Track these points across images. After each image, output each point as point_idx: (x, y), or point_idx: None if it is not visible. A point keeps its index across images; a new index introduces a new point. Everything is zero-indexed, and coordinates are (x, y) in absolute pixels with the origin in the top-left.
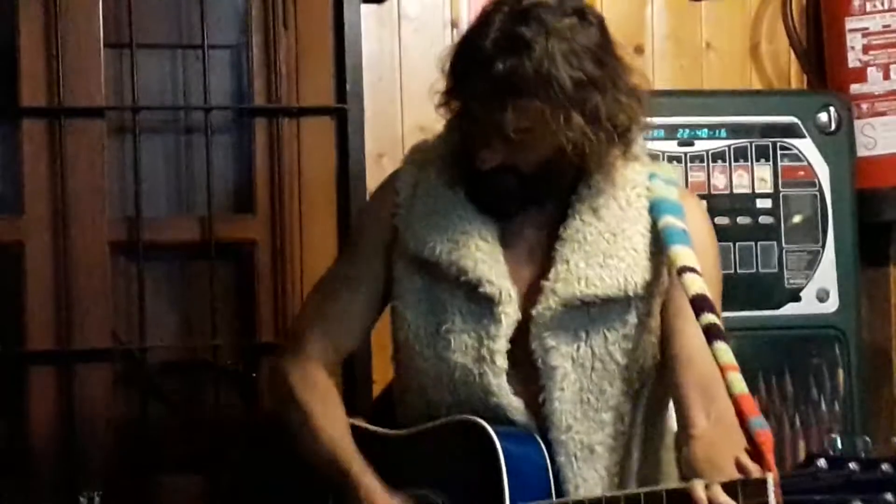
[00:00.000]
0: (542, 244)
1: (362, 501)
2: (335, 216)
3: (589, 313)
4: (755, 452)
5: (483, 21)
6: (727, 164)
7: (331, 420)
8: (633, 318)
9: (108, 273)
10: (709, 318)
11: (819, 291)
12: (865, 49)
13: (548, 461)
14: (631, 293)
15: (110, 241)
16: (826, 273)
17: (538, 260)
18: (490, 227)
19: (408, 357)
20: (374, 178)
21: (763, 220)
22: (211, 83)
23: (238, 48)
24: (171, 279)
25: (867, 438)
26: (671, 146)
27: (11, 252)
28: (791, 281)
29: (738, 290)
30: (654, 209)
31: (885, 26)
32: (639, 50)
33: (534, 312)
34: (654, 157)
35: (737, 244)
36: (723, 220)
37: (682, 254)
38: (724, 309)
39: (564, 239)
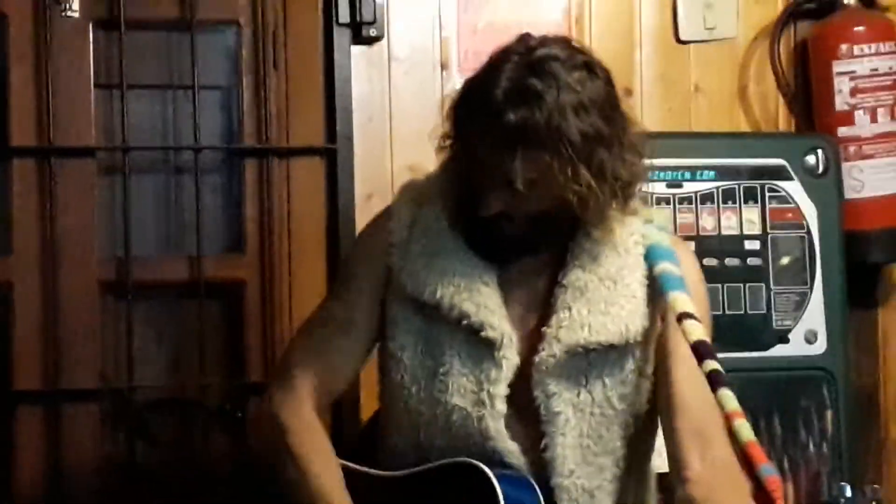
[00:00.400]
0: (541, 291)
1: None
2: (324, 256)
3: (589, 360)
4: (766, 498)
5: (492, 70)
6: (716, 205)
7: (321, 464)
8: (630, 365)
9: (97, 313)
10: (711, 364)
11: (807, 333)
12: (853, 92)
13: None
14: (631, 340)
15: (99, 281)
16: (814, 315)
17: (537, 307)
18: (490, 272)
19: (400, 398)
20: (363, 219)
21: (751, 261)
22: (201, 123)
23: (228, 89)
24: (159, 319)
25: (877, 487)
26: (660, 188)
27: (0, 292)
28: (779, 322)
29: (726, 331)
30: (650, 256)
31: (872, 70)
32: (628, 92)
33: (537, 359)
34: (643, 199)
35: (725, 286)
36: (711, 262)
37: (680, 300)
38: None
39: (565, 286)
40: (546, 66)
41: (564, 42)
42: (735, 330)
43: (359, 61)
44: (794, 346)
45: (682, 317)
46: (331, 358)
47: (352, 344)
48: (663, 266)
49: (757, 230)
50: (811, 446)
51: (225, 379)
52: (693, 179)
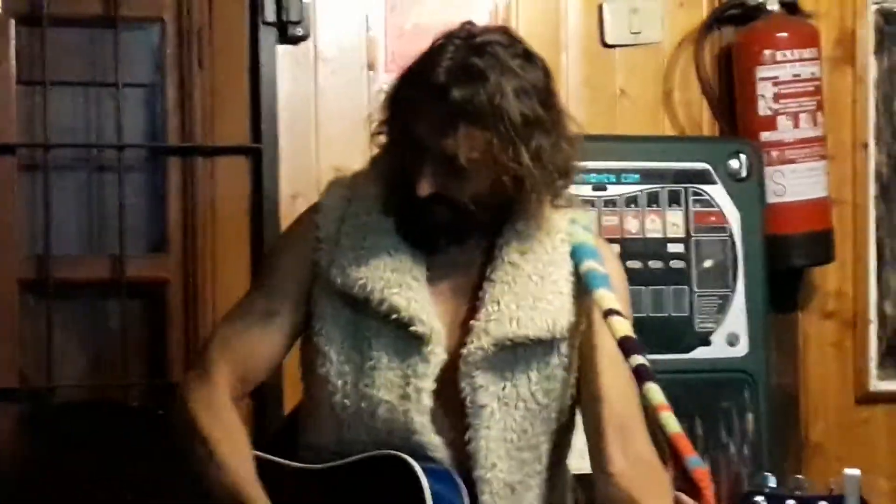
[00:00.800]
0: (469, 286)
1: None
2: (248, 256)
3: (515, 354)
4: (694, 490)
5: (434, 52)
6: (640, 208)
7: (234, 451)
8: (556, 360)
9: (17, 312)
10: (638, 359)
11: (729, 336)
12: (776, 97)
13: (466, 499)
14: (558, 335)
15: (19, 279)
16: (736, 318)
17: (465, 301)
18: (420, 267)
19: (325, 393)
20: (288, 219)
21: (675, 264)
22: (125, 121)
23: (153, 87)
24: (80, 318)
25: (801, 477)
26: (585, 190)
27: None
28: (701, 325)
29: (649, 333)
30: (576, 254)
31: (794, 75)
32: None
33: (464, 352)
34: (571, 198)
35: (649, 288)
36: (635, 265)
37: (606, 297)
38: (651, 352)
39: (494, 280)
40: (489, 49)
41: (505, 30)
42: (658, 332)
43: (285, 61)
44: (716, 349)
45: (608, 313)
46: (248, 347)
47: (271, 334)
48: (589, 264)
49: (680, 233)
50: (732, 448)
51: (147, 378)
52: (618, 182)
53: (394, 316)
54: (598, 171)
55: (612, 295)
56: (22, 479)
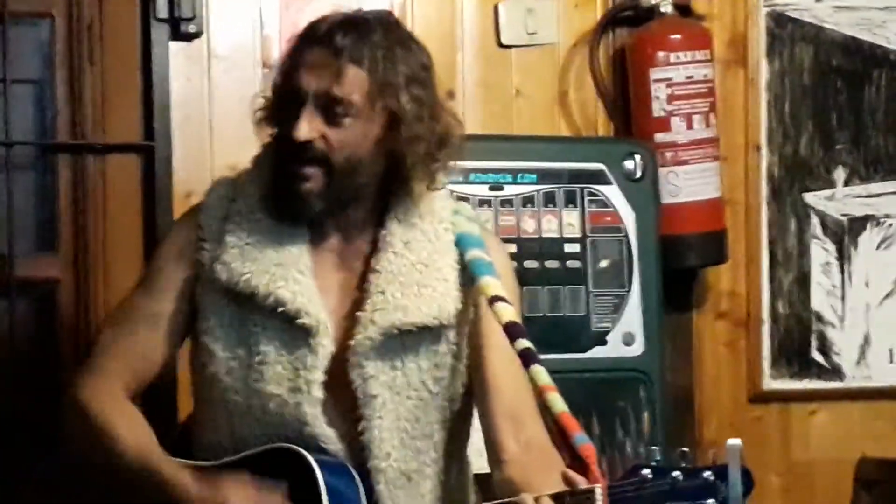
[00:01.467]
0: (355, 277)
1: (184, 493)
2: (141, 256)
3: (403, 343)
4: (581, 466)
5: (318, 19)
6: (536, 208)
7: (137, 435)
8: (443, 348)
9: None
10: (523, 343)
11: (625, 335)
12: (669, 99)
13: (361, 490)
14: (445, 322)
15: None
16: (632, 317)
17: (351, 293)
18: (305, 261)
19: (214, 391)
20: None
21: (571, 264)
22: (13, 118)
23: (42, 83)
24: None
25: (686, 450)
26: (482, 190)
27: None
28: (598, 324)
29: (546, 332)
30: (460, 243)
31: (688, 77)
32: (450, 95)
33: (352, 342)
34: (458, 197)
35: (545, 288)
36: (532, 264)
37: (491, 284)
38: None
39: (379, 271)
40: (376, 16)
41: (391, 13)
42: (554, 331)
43: (178, 58)
44: (612, 348)
45: (493, 300)
46: (135, 350)
47: (158, 336)
48: (474, 253)
49: (576, 233)
50: (628, 446)
51: (37, 380)
52: (514, 182)
53: (280, 309)
54: (495, 171)
55: (497, 282)
56: None
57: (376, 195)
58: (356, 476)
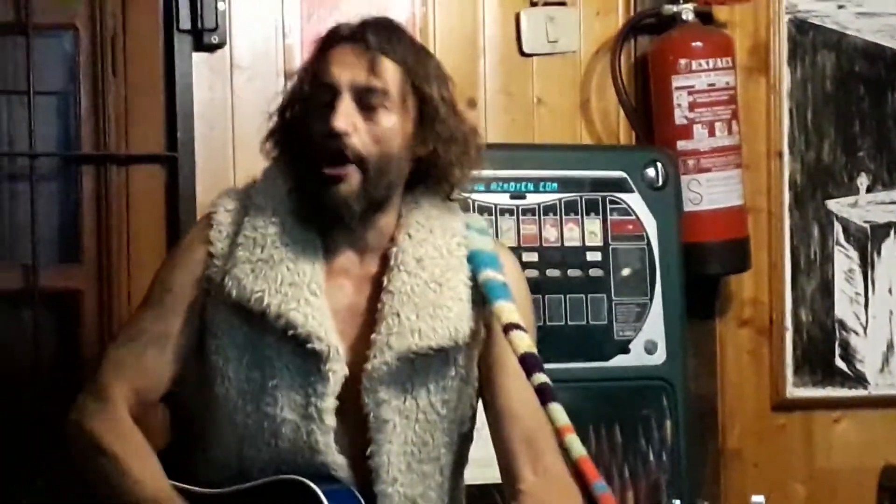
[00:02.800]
0: (368, 299)
1: None
2: None
3: (414, 366)
4: None
5: (337, 25)
6: (558, 217)
7: (146, 466)
8: (452, 371)
9: None
10: (540, 378)
11: (647, 343)
12: (691, 106)
13: None
14: (460, 342)
15: None
16: (654, 325)
17: (363, 314)
18: (318, 280)
19: (224, 411)
20: None
21: (593, 272)
22: (37, 129)
23: (66, 94)
24: None
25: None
26: (503, 199)
27: None
28: (620, 333)
29: (568, 341)
30: (473, 260)
31: (710, 85)
32: (471, 103)
33: (369, 366)
34: (465, 202)
35: (567, 296)
36: (554, 273)
37: (507, 309)
38: (555, 360)
39: (392, 292)
40: (394, 19)
41: None
42: (577, 340)
43: (200, 68)
44: (635, 357)
45: (508, 328)
46: (142, 370)
47: (166, 356)
48: (487, 273)
49: (598, 241)
50: (651, 455)
51: (60, 391)
52: (536, 191)
53: (291, 332)
54: (517, 180)
55: (513, 306)
56: None
57: (396, 205)
58: (362, 502)
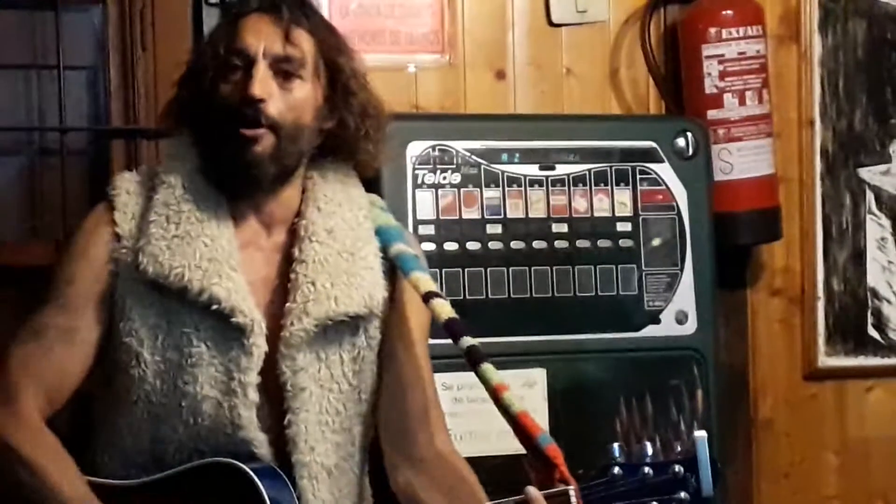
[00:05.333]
0: (276, 271)
1: None
2: None
3: (327, 335)
4: (546, 468)
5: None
6: (588, 187)
7: (64, 472)
8: (361, 340)
9: None
10: (468, 341)
11: (678, 314)
12: (721, 75)
13: (293, 494)
14: (376, 310)
15: None
16: (685, 295)
17: (275, 287)
18: (235, 255)
19: (134, 394)
20: None
21: (623, 243)
22: (67, 104)
23: (95, 69)
24: (24, 304)
25: (647, 443)
26: (532, 170)
27: None
28: (651, 303)
29: (598, 312)
30: (381, 235)
31: (740, 53)
32: (500, 75)
33: (285, 334)
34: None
35: (598, 267)
36: (584, 244)
37: (423, 280)
38: (586, 331)
39: (304, 261)
40: None
41: None
42: (607, 311)
43: None
44: (666, 327)
45: (428, 296)
46: (51, 368)
47: (74, 352)
48: (399, 246)
49: (628, 212)
50: (682, 425)
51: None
52: (565, 162)
53: (214, 307)
54: (546, 151)
55: (428, 277)
56: None
57: (300, 177)
58: (285, 478)
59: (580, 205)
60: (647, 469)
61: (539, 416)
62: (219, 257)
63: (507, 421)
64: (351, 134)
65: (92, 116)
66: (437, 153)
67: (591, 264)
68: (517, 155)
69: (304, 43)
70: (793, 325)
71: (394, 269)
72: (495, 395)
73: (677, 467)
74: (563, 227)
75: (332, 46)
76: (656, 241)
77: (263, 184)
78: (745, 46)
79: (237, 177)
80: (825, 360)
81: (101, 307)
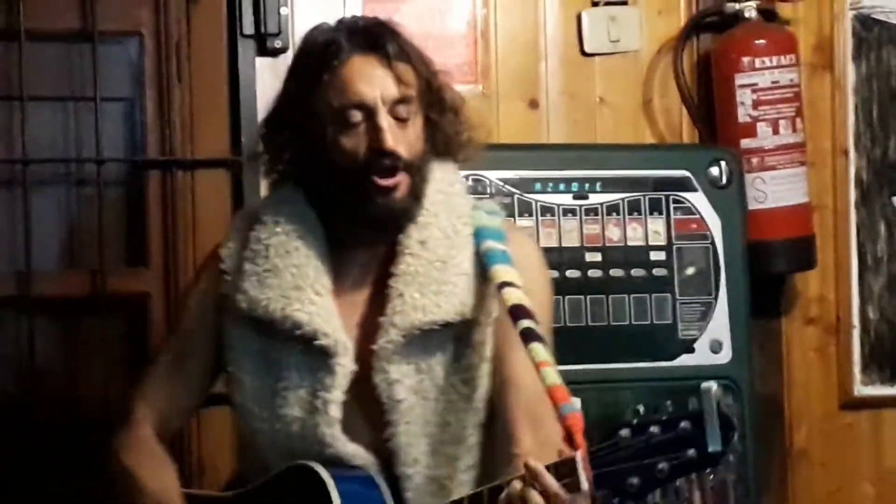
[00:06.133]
0: (374, 290)
1: None
2: None
3: (426, 345)
4: (566, 436)
5: (332, 34)
6: (621, 216)
7: (157, 476)
8: (469, 349)
9: None
10: (525, 323)
11: (712, 343)
12: (755, 104)
13: (387, 497)
14: (468, 315)
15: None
16: (719, 324)
17: (373, 303)
18: (323, 280)
19: (245, 421)
20: None
21: (657, 272)
22: (103, 136)
23: (132, 101)
24: (61, 333)
25: (668, 403)
26: (566, 199)
27: None
28: (685, 332)
29: (632, 341)
30: (478, 236)
31: (773, 82)
32: (533, 104)
33: (375, 347)
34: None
35: (631, 296)
36: (617, 273)
37: (501, 271)
38: (619, 360)
39: (398, 275)
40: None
41: None
42: (641, 340)
43: (264, 73)
44: (700, 356)
45: (501, 286)
46: (163, 393)
47: (184, 377)
48: (488, 244)
49: (662, 241)
50: None
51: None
52: (599, 191)
53: (297, 332)
54: (580, 180)
55: (510, 269)
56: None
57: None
58: (381, 483)
59: (614, 234)
60: (653, 428)
61: None
62: (303, 285)
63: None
64: (445, 133)
65: (128, 147)
66: (470, 183)
67: (625, 293)
68: (550, 184)
69: (411, 78)
70: (828, 353)
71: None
72: (537, 369)
73: (684, 423)
74: (597, 257)
75: (427, 68)
76: (690, 270)
77: (405, 223)
78: (779, 75)
79: (379, 225)
80: (861, 389)
81: (209, 337)
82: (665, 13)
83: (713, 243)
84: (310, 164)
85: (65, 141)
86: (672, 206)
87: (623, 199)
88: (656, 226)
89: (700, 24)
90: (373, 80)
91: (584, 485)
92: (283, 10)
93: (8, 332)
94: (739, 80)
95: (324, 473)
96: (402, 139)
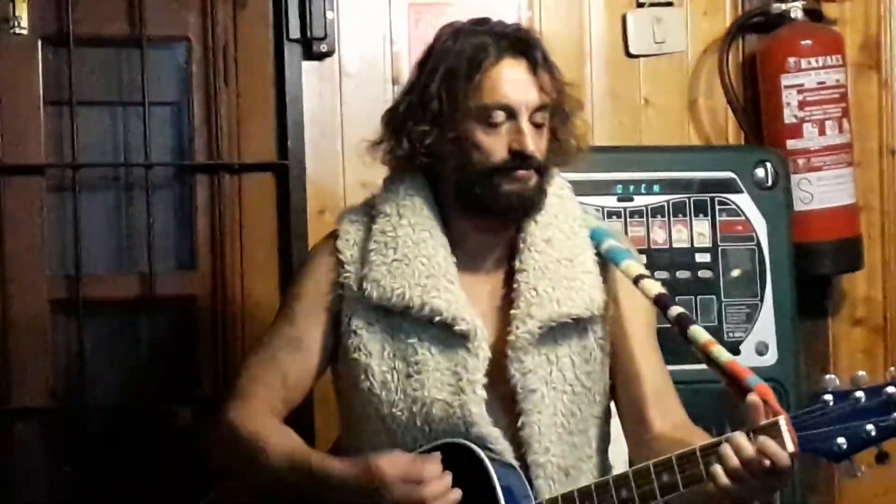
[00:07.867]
0: (498, 281)
1: (337, 481)
2: (276, 272)
3: (555, 338)
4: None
5: (485, 33)
6: (666, 219)
7: (281, 437)
8: (590, 342)
9: (48, 331)
10: (677, 309)
11: (758, 345)
12: (801, 105)
13: (528, 487)
14: (596, 311)
15: (50, 299)
16: (765, 326)
17: (498, 296)
18: (452, 270)
19: (371, 406)
20: (315, 234)
21: (702, 274)
22: (152, 140)
23: (179, 105)
24: (111, 336)
25: (862, 373)
26: (611, 202)
27: None
28: (730, 334)
29: (678, 343)
30: (594, 236)
31: (819, 83)
32: (578, 105)
33: (511, 338)
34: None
35: (676, 298)
36: (662, 275)
37: (632, 266)
38: (665, 363)
39: (526, 270)
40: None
41: None
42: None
43: (310, 77)
44: (746, 358)
45: (638, 279)
46: (277, 376)
47: (299, 360)
48: (609, 243)
49: (707, 243)
50: None
51: (177, 395)
52: (644, 193)
53: (437, 319)
54: (625, 182)
55: (639, 263)
56: (54, 498)
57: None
58: (521, 472)
59: (659, 236)
60: (858, 393)
61: (619, 446)
62: (436, 273)
63: (717, 372)
64: (565, 146)
65: (176, 151)
66: None
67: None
68: (595, 187)
69: (550, 87)
70: (875, 354)
71: (610, 270)
72: (705, 350)
73: (891, 388)
74: (642, 259)
75: (561, 79)
76: (736, 272)
77: (532, 212)
78: (825, 76)
79: (510, 210)
80: None
81: (326, 322)
82: (710, 14)
83: (759, 245)
84: (444, 155)
85: (114, 145)
86: (717, 207)
87: (668, 201)
88: (701, 228)
89: (745, 24)
90: (519, 85)
91: (790, 446)
92: (329, 14)
93: (59, 336)
94: (785, 80)
95: (480, 452)
96: (538, 143)
